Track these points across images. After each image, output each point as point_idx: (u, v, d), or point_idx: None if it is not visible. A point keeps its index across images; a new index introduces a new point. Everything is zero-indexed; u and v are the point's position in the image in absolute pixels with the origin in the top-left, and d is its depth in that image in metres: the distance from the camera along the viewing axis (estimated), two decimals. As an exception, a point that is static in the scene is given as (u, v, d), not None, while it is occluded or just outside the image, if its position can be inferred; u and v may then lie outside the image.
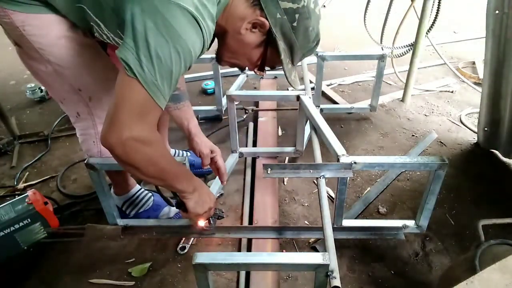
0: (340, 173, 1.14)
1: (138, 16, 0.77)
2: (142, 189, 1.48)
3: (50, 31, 0.96)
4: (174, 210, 1.47)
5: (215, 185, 1.56)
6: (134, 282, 1.26)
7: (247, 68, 1.07)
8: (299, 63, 1.14)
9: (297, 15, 0.93)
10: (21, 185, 1.68)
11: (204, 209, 1.12)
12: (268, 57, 1.00)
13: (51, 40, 0.97)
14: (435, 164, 1.11)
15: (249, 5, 0.91)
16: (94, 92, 1.10)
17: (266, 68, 1.06)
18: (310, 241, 1.40)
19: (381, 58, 1.87)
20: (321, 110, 2.07)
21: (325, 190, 1.17)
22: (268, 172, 1.16)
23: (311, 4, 0.94)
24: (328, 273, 0.84)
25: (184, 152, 1.74)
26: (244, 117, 2.10)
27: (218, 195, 1.58)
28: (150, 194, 1.48)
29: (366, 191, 1.63)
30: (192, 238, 1.40)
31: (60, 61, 1.01)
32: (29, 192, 1.37)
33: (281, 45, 0.96)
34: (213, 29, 0.88)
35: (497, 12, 1.45)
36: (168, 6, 0.77)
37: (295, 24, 0.94)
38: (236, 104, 1.62)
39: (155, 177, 0.95)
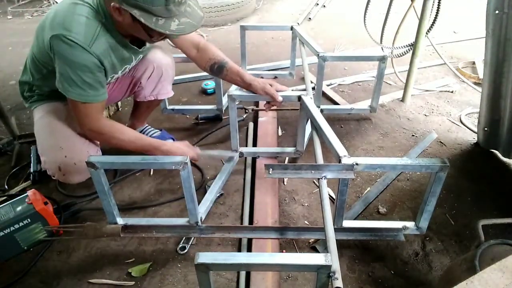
0: (341, 174, 1.14)
1: (57, 66, 1.25)
2: (150, 126, 1.95)
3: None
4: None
5: (215, 185, 1.57)
6: (134, 282, 1.26)
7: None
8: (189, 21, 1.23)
9: None
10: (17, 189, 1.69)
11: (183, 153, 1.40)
12: (145, 26, 1.18)
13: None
14: (436, 166, 1.11)
15: None
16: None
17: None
18: (310, 241, 1.40)
19: (382, 59, 1.86)
20: (322, 110, 2.07)
21: (327, 191, 1.17)
22: (270, 172, 1.16)
23: None
24: (330, 274, 0.84)
25: (157, 130, 1.96)
26: (244, 117, 2.10)
27: (218, 195, 1.58)
28: (157, 129, 1.94)
29: (366, 191, 1.63)
30: (192, 238, 1.40)
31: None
32: (29, 192, 1.37)
33: (135, 12, 1.14)
34: (96, 35, 1.24)
35: (497, 12, 1.45)
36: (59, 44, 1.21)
37: None
38: (236, 104, 1.62)
39: (127, 149, 1.41)
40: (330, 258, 0.82)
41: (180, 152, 1.45)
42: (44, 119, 1.47)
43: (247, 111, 2.11)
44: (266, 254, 0.88)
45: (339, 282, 0.84)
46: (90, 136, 1.45)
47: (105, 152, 1.58)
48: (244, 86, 1.59)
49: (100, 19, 1.26)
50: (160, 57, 1.68)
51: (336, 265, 0.88)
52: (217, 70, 1.60)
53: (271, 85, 1.55)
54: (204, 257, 0.83)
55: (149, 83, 1.70)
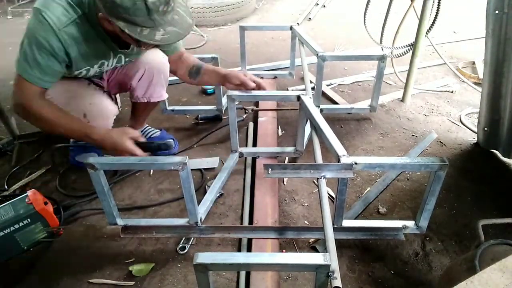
0: (340, 174, 1.14)
1: (23, 36, 1.25)
2: (149, 126, 1.95)
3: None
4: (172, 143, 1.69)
5: (215, 185, 1.57)
6: (134, 282, 1.26)
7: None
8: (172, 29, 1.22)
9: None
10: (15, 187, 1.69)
11: (118, 147, 1.34)
12: (129, 36, 1.18)
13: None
14: (435, 165, 1.11)
15: (98, 6, 1.18)
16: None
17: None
18: (310, 241, 1.40)
19: (381, 58, 1.87)
20: (321, 110, 2.07)
21: (326, 191, 1.17)
22: (269, 172, 1.16)
23: None
24: (329, 273, 0.84)
25: (157, 130, 1.96)
26: (244, 117, 2.10)
27: (218, 195, 1.58)
28: (157, 129, 1.93)
29: (366, 191, 1.63)
30: (192, 238, 1.40)
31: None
32: (29, 192, 1.37)
33: (120, 23, 1.14)
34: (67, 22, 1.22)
35: (497, 12, 1.45)
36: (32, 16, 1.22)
37: (107, 4, 1.12)
38: (236, 104, 1.62)
39: (55, 129, 1.34)
40: (329, 258, 0.82)
41: (119, 147, 1.35)
42: (57, 86, 1.41)
43: (247, 111, 2.11)
44: (265, 254, 0.88)
45: (338, 282, 0.84)
46: (19, 113, 1.36)
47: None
48: (221, 80, 1.63)
49: (83, 8, 1.24)
50: (152, 59, 1.63)
51: (335, 265, 0.88)
52: (195, 72, 1.66)
53: (245, 75, 1.60)
54: (203, 257, 0.83)
55: (140, 85, 1.68)
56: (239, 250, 1.37)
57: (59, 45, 1.24)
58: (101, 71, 1.52)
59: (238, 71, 1.63)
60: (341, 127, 2.08)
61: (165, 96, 1.81)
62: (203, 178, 1.71)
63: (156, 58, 1.65)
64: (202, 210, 1.41)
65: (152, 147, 1.45)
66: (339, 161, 1.14)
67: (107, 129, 1.40)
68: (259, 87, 1.60)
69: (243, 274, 1.26)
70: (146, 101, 1.74)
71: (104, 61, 1.45)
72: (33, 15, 1.22)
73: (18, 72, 1.28)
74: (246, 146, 1.91)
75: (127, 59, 1.54)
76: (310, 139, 1.49)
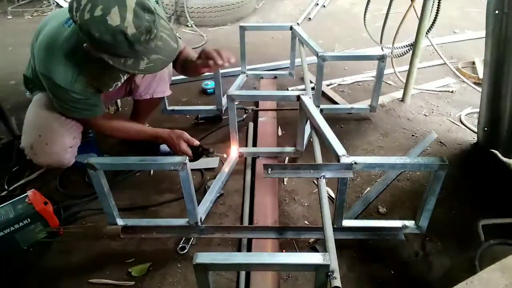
0: (340, 174, 1.14)
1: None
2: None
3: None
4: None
5: (215, 185, 1.57)
6: (134, 282, 1.26)
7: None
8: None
9: (81, 33, 1.13)
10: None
11: (174, 145, 1.51)
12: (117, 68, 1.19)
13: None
14: (435, 164, 1.11)
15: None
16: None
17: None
18: (310, 241, 1.40)
19: (381, 58, 1.87)
20: (321, 110, 2.07)
21: (326, 191, 1.17)
22: (269, 172, 1.16)
23: (85, 14, 1.07)
24: (329, 273, 0.84)
25: None
26: (244, 117, 2.10)
27: (218, 195, 1.58)
28: None
29: (366, 191, 1.63)
30: (192, 238, 1.40)
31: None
32: (29, 192, 1.37)
33: (104, 55, 1.15)
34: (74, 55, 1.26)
35: (497, 12, 1.45)
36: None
37: (89, 41, 1.12)
38: (236, 104, 1.62)
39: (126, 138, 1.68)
40: (329, 258, 0.82)
41: (175, 143, 1.51)
42: (34, 103, 1.50)
43: (247, 111, 2.11)
44: (265, 254, 0.88)
45: (337, 282, 0.84)
46: (98, 132, 1.64)
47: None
48: (190, 60, 1.56)
49: (79, 50, 1.20)
50: None
51: (334, 265, 0.88)
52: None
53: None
54: (203, 257, 0.83)
55: (143, 82, 1.69)
56: (239, 250, 1.37)
57: (79, 96, 1.33)
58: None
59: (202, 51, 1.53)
60: (341, 127, 2.08)
61: (168, 92, 1.80)
62: (203, 178, 1.71)
63: None
64: (202, 210, 1.41)
65: (198, 153, 1.54)
66: (338, 161, 1.14)
67: (169, 131, 1.54)
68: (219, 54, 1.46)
69: (243, 274, 1.26)
70: (149, 97, 1.74)
71: (118, 82, 1.49)
72: (44, 79, 1.30)
73: (79, 116, 1.43)
74: (246, 146, 1.91)
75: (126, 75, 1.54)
76: (310, 139, 1.50)
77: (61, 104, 1.36)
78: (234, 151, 1.75)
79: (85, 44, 1.16)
